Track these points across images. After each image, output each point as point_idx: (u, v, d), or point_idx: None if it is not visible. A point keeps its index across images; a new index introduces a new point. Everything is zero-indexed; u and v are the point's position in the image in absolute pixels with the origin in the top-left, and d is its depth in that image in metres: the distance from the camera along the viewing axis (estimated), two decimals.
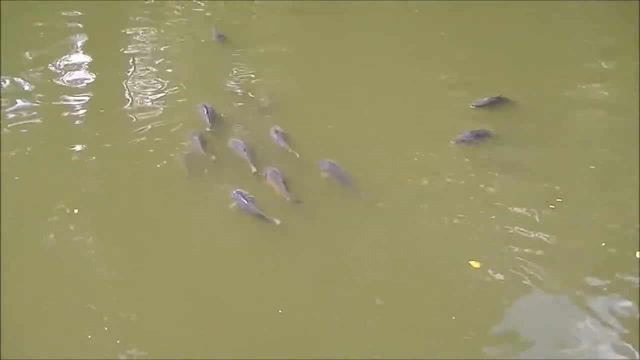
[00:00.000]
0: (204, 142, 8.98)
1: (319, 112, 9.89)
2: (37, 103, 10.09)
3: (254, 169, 8.61)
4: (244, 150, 8.84)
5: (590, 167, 8.81)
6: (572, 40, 12.07)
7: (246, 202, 7.98)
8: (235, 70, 10.99)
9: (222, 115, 9.68)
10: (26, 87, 10.46)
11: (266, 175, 8.43)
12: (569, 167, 8.83)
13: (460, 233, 7.80)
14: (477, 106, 9.74)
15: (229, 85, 10.46)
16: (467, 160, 8.80)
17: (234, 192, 8.14)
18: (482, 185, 8.48)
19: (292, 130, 9.31)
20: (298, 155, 8.84)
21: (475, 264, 7.29)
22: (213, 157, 8.84)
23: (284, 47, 11.99)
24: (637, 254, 7.42)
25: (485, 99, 9.81)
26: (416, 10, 12.97)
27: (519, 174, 8.69)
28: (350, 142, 9.17)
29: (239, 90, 10.32)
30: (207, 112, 9.53)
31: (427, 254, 7.55)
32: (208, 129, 9.31)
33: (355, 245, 7.64)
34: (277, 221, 7.79)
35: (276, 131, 9.23)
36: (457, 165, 8.73)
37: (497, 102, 9.83)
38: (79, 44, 11.82)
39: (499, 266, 7.33)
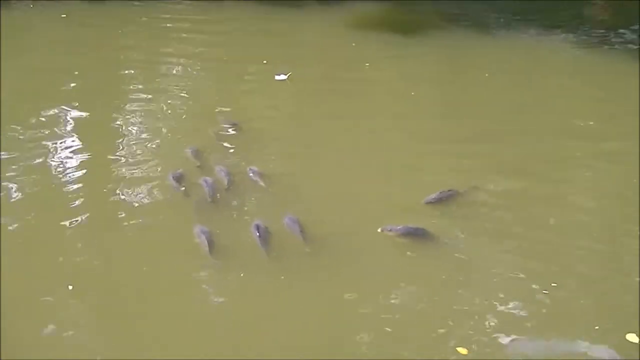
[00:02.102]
0: (179, 179, 9.79)
1: (299, 158, 10.61)
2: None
3: (209, 199, 9.50)
4: (207, 186, 9.65)
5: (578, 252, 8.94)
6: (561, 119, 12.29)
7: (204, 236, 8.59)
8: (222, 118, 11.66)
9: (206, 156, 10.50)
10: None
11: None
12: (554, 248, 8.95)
13: (436, 312, 7.87)
14: (427, 203, 9.58)
15: (215, 130, 11.18)
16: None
17: (198, 228, 8.77)
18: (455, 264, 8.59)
19: (267, 171, 10.10)
20: (264, 185, 9.79)
21: (462, 351, 7.33)
22: (183, 188, 9.64)
23: (276, 99, 12.76)
24: (628, 336, 7.49)
25: (434, 195, 9.64)
26: (412, 93, 13.21)
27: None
28: (321, 194, 9.72)
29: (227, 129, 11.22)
30: (191, 152, 10.49)
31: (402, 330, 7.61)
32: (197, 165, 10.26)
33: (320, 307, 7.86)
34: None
35: (252, 170, 10.07)
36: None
37: (449, 197, 9.69)
38: (72, 115, 11.93)
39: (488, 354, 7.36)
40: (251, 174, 10.05)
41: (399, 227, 8.93)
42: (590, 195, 10.24)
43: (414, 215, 9.29)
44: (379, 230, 8.89)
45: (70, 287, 7.90)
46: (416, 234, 8.91)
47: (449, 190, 9.73)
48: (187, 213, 9.26)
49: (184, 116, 12.06)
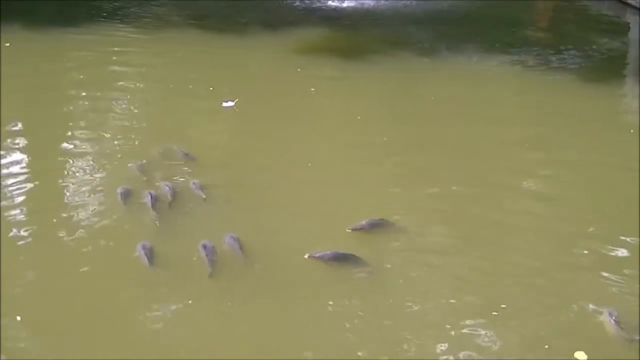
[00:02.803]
0: (126, 195, 10.06)
1: (247, 180, 10.85)
2: None
3: (153, 214, 9.74)
4: (151, 198, 9.94)
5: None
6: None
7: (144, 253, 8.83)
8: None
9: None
10: None
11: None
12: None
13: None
14: (353, 230, 9.55)
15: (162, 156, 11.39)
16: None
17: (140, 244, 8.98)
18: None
19: (215, 193, 10.39)
20: (204, 197, 10.19)
21: None
22: (123, 203, 9.94)
23: (224, 125, 13.12)
24: (576, 354, 7.72)
25: (363, 222, 9.63)
26: (359, 117, 13.43)
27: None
28: (266, 216, 9.98)
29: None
30: (137, 168, 10.83)
31: None
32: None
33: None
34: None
35: (194, 183, 10.40)
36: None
37: (377, 225, 9.66)
38: (17, 139, 12.02)
39: None
40: (193, 187, 10.36)
41: (326, 253, 8.96)
42: (536, 211, 10.53)
43: (353, 239, 9.42)
44: (305, 256, 8.98)
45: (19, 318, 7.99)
46: (345, 260, 8.92)
47: (379, 219, 9.71)
48: (131, 230, 9.49)
49: (131, 143, 12.07)
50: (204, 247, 8.99)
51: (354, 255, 8.97)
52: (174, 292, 8.47)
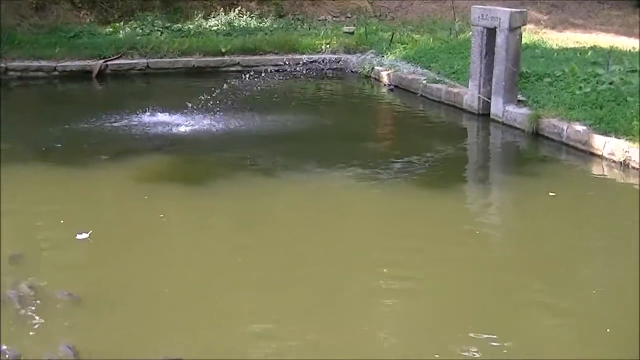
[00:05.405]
0: None
1: (95, 307, 11.52)
2: None
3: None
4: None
5: None
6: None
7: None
8: None
9: None
10: None
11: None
12: None
13: None
14: None
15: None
16: None
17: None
18: None
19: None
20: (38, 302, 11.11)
21: None
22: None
23: (79, 258, 13.53)
24: None
25: (161, 357, 10.02)
26: (210, 241, 14.27)
27: None
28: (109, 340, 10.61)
29: None
30: None
31: None
32: None
33: None
34: None
35: (27, 285, 11.53)
36: None
37: None
38: None
39: None
40: (25, 290, 11.46)
41: None
42: (382, 327, 11.26)
43: None
44: None
45: None
46: None
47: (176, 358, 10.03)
48: None
49: None
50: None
51: None
52: None
